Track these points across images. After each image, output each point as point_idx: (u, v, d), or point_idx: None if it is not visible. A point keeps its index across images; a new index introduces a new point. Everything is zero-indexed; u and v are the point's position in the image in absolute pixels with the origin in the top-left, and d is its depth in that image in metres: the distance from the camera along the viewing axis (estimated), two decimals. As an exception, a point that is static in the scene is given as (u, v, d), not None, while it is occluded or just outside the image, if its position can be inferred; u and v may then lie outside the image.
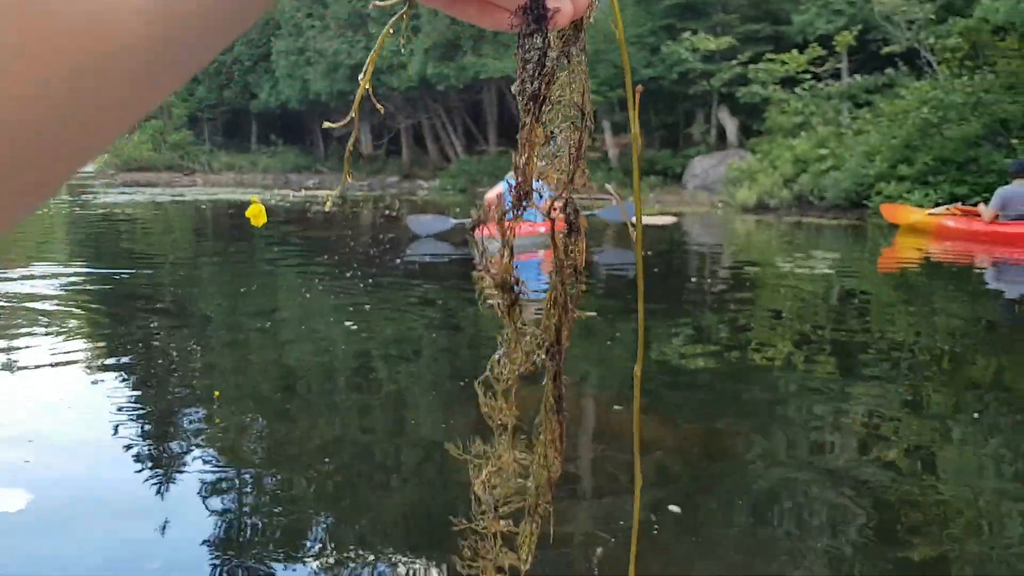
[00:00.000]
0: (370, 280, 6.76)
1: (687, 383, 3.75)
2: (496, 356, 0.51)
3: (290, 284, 6.74)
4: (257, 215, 1.47)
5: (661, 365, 3.94)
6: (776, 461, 2.77)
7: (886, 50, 15.97)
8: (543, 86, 0.42)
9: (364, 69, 0.44)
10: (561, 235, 0.51)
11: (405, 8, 0.43)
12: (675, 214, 14.79)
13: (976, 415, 3.21)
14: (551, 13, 0.39)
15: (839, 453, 2.87)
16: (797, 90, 17.08)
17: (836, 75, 17.28)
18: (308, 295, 6.15)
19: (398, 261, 8.32)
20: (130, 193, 20.37)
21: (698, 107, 20.10)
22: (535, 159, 0.47)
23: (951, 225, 10.45)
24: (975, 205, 10.77)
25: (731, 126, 19.29)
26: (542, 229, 9.80)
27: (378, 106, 0.48)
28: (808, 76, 17.14)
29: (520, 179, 0.48)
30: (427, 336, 4.71)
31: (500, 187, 9.73)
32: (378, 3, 0.43)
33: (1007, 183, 9.95)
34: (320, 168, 31.50)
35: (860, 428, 3.06)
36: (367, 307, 5.59)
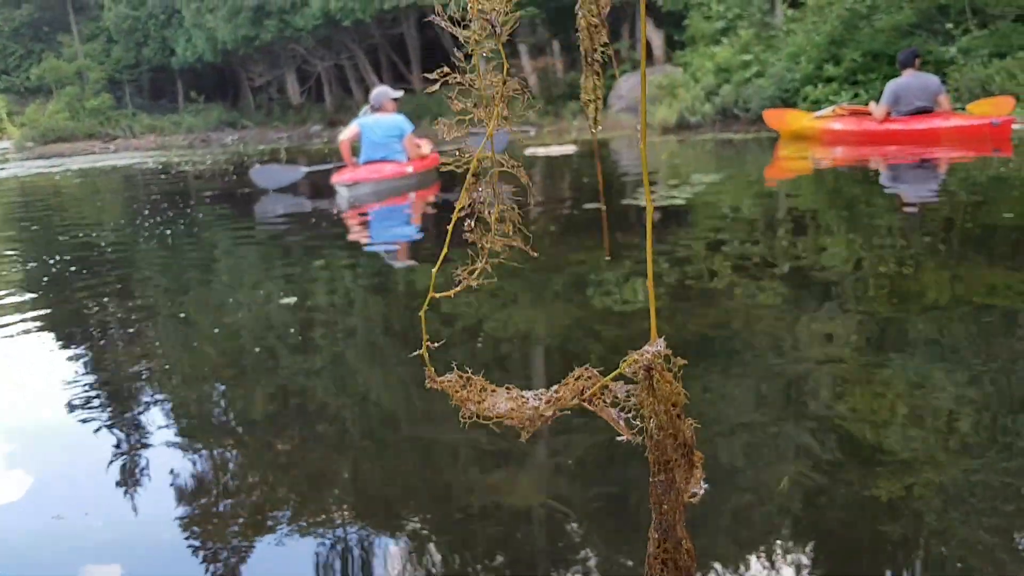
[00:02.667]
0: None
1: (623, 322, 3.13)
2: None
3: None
4: None
5: (604, 312, 3.28)
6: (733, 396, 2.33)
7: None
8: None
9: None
10: None
11: None
12: (578, 142, 13.35)
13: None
14: None
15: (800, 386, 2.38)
16: (719, -10, 15.40)
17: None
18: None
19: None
20: (12, 168, 18.68)
21: (621, 21, 18.40)
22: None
23: (839, 128, 9.13)
24: (865, 104, 9.56)
25: (656, 39, 17.65)
26: (409, 169, 8.44)
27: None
28: (732, -26, 15.42)
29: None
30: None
31: (354, 128, 8.40)
32: None
33: (897, 75, 8.66)
34: (245, 123, 29.60)
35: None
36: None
